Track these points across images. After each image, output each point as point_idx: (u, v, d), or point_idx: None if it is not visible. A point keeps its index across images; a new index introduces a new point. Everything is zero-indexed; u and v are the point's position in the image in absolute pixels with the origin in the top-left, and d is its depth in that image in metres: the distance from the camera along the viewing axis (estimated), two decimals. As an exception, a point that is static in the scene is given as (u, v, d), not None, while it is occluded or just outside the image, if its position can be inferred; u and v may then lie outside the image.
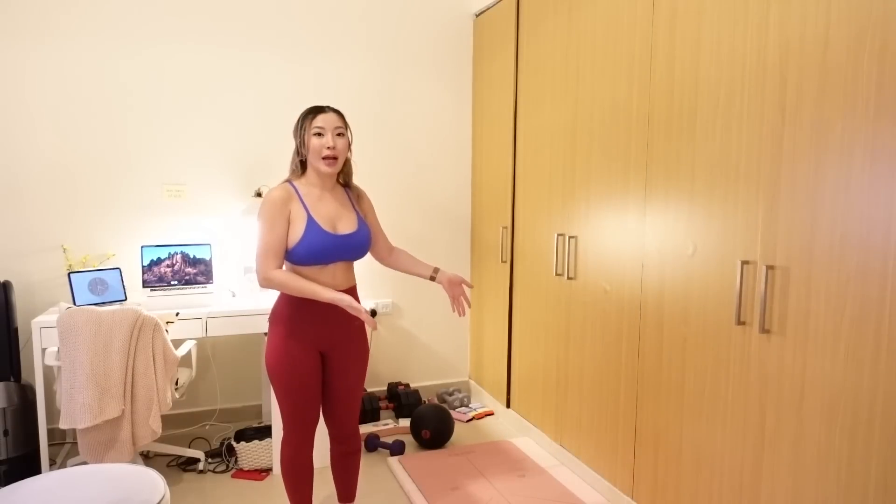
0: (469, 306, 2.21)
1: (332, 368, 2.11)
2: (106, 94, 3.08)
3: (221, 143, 3.31)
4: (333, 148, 1.96)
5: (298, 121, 2.02)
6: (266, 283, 1.96)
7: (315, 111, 1.99)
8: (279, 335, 2.02)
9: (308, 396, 2.03)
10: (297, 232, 1.96)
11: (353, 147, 2.12)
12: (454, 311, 2.13)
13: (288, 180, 2.04)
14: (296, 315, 2.01)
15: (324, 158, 1.96)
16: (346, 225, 2.04)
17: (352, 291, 2.11)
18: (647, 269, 2.32)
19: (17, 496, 1.66)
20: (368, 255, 2.27)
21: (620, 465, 2.52)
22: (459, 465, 2.93)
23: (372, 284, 3.67)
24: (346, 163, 2.10)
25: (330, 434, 2.23)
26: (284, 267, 2.03)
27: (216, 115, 3.28)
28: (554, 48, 2.90)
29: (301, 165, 2.05)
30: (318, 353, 2.07)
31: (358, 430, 2.25)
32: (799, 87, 1.70)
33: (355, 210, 2.11)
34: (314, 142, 1.96)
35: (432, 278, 2.19)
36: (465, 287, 2.31)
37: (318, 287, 1.93)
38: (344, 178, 2.13)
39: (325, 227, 1.99)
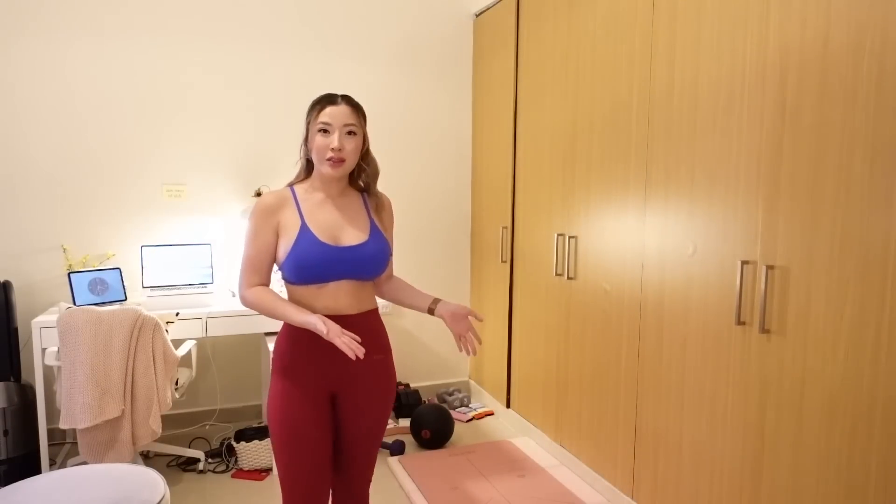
0: (480, 343, 1.70)
1: (343, 411, 1.69)
2: (106, 93, 3.08)
3: (221, 143, 3.31)
4: (339, 150, 1.60)
5: (308, 110, 1.67)
6: (243, 301, 1.65)
7: (325, 101, 1.63)
8: (276, 377, 1.65)
9: (306, 456, 1.60)
10: (288, 242, 1.60)
11: (369, 146, 1.75)
12: (461, 350, 1.69)
13: (290, 184, 1.71)
14: (295, 349, 1.63)
15: (327, 160, 1.60)
16: (351, 235, 1.65)
17: (369, 317, 1.70)
18: (647, 269, 2.32)
19: (17, 496, 1.66)
20: None
21: (620, 465, 2.52)
22: (459, 465, 2.93)
23: (372, 284, 3.67)
24: (368, 163, 1.74)
25: (332, 496, 1.76)
26: (285, 288, 1.70)
27: (216, 114, 3.28)
28: (554, 48, 2.90)
29: (308, 164, 1.70)
30: (327, 398, 1.66)
31: (367, 499, 1.79)
32: (799, 87, 1.69)
33: (370, 218, 1.71)
34: (318, 140, 1.60)
35: (431, 311, 1.73)
36: (472, 320, 1.86)
37: (291, 308, 1.56)
38: (364, 182, 1.75)
39: (322, 236, 1.61)
